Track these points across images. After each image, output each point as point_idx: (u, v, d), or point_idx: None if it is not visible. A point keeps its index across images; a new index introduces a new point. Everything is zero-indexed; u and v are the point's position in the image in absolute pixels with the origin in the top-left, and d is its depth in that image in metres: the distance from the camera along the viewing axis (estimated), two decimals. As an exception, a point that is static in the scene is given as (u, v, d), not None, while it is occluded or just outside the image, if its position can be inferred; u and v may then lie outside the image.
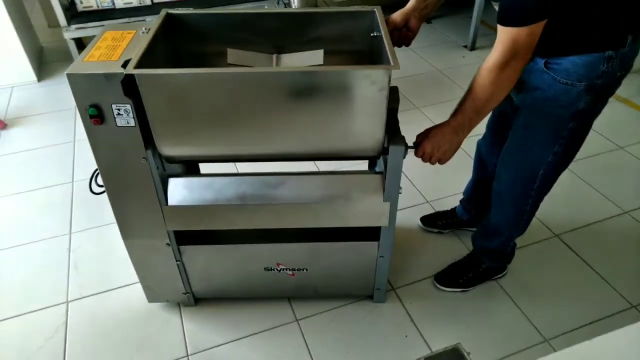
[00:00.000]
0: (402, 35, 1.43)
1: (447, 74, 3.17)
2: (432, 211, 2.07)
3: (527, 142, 1.38)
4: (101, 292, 1.78)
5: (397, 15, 1.42)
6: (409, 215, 2.06)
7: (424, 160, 1.37)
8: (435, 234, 1.99)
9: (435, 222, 1.99)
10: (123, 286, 1.76)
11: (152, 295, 1.67)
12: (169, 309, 1.71)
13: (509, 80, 1.19)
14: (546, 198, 1.50)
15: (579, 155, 1.41)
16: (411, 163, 2.35)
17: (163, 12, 1.40)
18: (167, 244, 1.49)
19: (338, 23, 1.44)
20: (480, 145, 1.76)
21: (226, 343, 1.60)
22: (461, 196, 1.96)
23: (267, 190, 1.39)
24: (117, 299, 1.74)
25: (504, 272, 1.79)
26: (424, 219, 2.01)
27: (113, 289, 1.78)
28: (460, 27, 3.75)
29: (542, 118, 1.32)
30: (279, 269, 1.60)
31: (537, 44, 1.23)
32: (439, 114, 2.58)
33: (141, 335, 1.62)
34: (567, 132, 1.32)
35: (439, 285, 1.75)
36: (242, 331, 1.63)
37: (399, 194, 1.44)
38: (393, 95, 1.37)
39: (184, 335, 1.62)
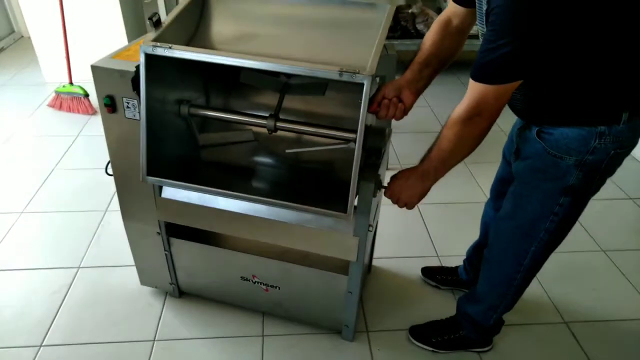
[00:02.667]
0: (394, 107, 1.29)
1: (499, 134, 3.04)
2: (437, 264, 2.00)
3: (518, 213, 1.31)
4: (108, 266, 1.97)
5: (389, 86, 1.30)
6: (415, 264, 2.01)
7: (393, 202, 1.36)
8: (433, 287, 1.92)
9: (435, 275, 1.91)
10: (127, 265, 1.92)
11: (144, 278, 1.82)
12: (155, 295, 1.84)
13: (471, 136, 1.16)
14: (569, 280, 1.39)
15: (619, 246, 1.30)
16: (436, 215, 2.36)
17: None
18: (158, 232, 1.63)
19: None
20: (485, 208, 1.70)
21: (191, 339, 1.68)
22: (469, 256, 1.87)
23: (247, 205, 1.48)
24: (118, 276, 1.92)
25: (489, 347, 1.66)
26: (425, 270, 1.95)
27: (118, 266, 1.95)
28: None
29: (532, 189, 1.26)
30: (254, 280, 1.66)
31: (530, 112, 1.20)
32: (483, 172, 2.50)
33: (122, 313, 1.77)
34: (558, 207, 1.24)
35: (411, 338, 1.67)
36: (209, 331, 1.70)
37: (370, 232, 1.45)
38: (376, 136, 1.40)
39: (159, 322, 1.74)
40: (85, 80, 3.20)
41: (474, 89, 1.10)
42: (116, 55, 1.45)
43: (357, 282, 1.53)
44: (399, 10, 3.73)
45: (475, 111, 1.11)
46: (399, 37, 3.61)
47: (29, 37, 3.60)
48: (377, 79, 2.13)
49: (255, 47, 1.34)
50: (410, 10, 3.72)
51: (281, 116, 1.46)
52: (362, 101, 1.17)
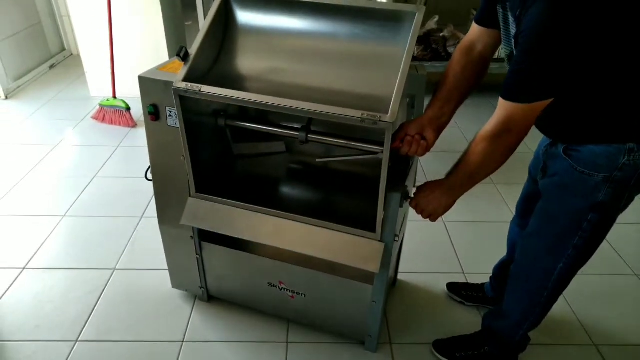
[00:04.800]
0: (417, 144, 1.32)
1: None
2: (463, 281, 2.00)
3: (546, 230, 1.32)
4: (141, 269, 2.05)
5: (412, 124, 1.34)
6: (440, 280, 2.01)
7: (417, 213, 1.39)
8: (458, 303, 1.91)
9: (461, 291, 1.91)
10: (159, 269, 1.99)
11: (175, 281, 1.89)
12: (185, 298, 1.90)
13: (499, 153, 1.19)
14: (600, 303, 1.38)
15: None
16: (463, 233, 2.36)
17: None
18: (191, 236, 1.70)
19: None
20: (511, 227, 1.70)
21: (218, 342, 1.73)
22: (496, 273, 1.87)
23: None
24: (151, 278, 1.99)
25: (514, 364, 1.65)
26: (450, 286, 1.95)
27: (152, 269, 2.03)
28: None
29: (560, 206, 1.27)
30: (280, 287, 1.70)
31: (558, 129, 1.22)
32: (513, 193, 2.49)
33: (153, 313, 1.84)
34: (587, 224, 1.24)
35: (435, 352, 1.67)
36: (235, 336, 1.75)
37: (397, 242, 1.47)
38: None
39: (188, 324, 1.79)
40: (128, 94, 3.37)
41: (503, 107, 1.13)
42: (162, 67, 1.55)
43: (381, 291, 1.55)
44: (430, 33, 3.80)
45: (504, 128, 1.14)
46: (429, 59, 3.67)
47: (78, 55, 3.82)
48: (407, 99, 2.17)
49: (277, 83, 1.40)
50: (441, 34, 3.77)
51: (312, 128, 1.52)
52: (385, 142, 1.23)
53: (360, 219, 1.48)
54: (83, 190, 2.60)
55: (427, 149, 1.33)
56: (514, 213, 1.67)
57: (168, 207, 1.68)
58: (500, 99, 1.13)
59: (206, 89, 1.34)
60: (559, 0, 0.97)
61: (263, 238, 1.54)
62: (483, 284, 1.89)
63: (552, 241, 1.30)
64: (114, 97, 3.36)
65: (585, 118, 1.15)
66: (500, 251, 1.81)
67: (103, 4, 3.27)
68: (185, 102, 1.40)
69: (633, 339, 1.78)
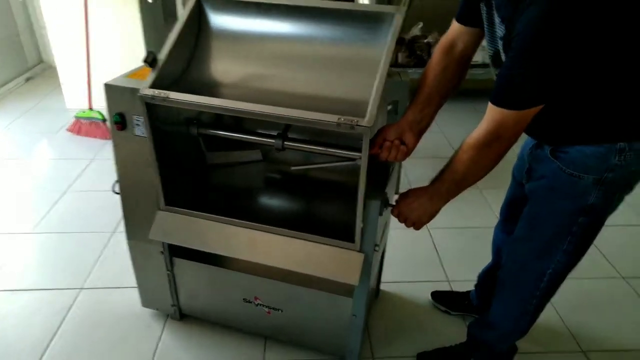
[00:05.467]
0: (396, 149, 1.25)
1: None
2: (448, 289, 1.94)
3: (534, 235, 1.27)
4: (110, 288, 1.94)
5: (390, 129, 1.27)
6: (424, 289, 1.94)
7: (400, 221, 1.33)
8: (443, 312, 1.85)
9: (445, 300, 1.85)
10: (130, 287, 1.89)
11: (145, 299, 1.79)
12: (156, 317, 1.80)
13: (488, 160, 1.13)
14: (587, 308, 1.33)
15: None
16: (447, 240, 2.31)
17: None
18: (161, 252, 1.61)
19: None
20: (495, 232, 1.65)
21: (190, 364, 1.63)
22: (481, 281, 1.81)
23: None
24: (120, 298, 1.89)
25: (502, 376, 1.58)
26: (435, 294, 1.89)
27: (121, 287, 1.93)
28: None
29: (548, 210, 1.22)
30: (256, 303, 1.62)
31: (544, 130, 1.17)
32: (499, 198, 2.45)
33: (121, 335, 1.73)
34: (576, 227, 1.19)
35: (419, 366, 1.60)
36: (209, 355, 1.66)
37: (376, 252, 1.41)
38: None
39: (157, 345, 1.69)
40: (104, 106, 3.24)
41: (493, 113, 1.07)
42: (131, 74, 1.47)
43: (362, 304, 1.47)
44: (414, 40, 3.77)
45: (493, 136, 1.08)
46: (414, 66, 3.63)
47: (56, 67, 3.72)
48: (389, 106, 2.12)
49: (251, 88, 1.34)
50: (425, 40, 3.75)
51: (289, 135, 1.45)
52: (362, 148, 1.17)
53: (339, 229, 1.41)
54: (53, 206, 2.49)
55: (407, 154, 1.26)
56: (499, 218, 1.62)
57: (136, 222, 1.59)
58: (490, 105, 1.07)
59: (175, 95, 1.27)
60: (555, 4, 0.92)
61: (236, 252, 1.45)
62: (468, 292, 1.83)
63: (541, 246, 1.24)
64: (90, 108, 3.25)
65: (574, 118, 1.11)
66: (486, 257, 1.75)
67: (80, 15, 3.17)
68: (154, 110, 1.33)
69: (622, 344, 1.74)
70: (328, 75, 1.34)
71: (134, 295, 1.79)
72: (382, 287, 1.95)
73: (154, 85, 1.28)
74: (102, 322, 1.79)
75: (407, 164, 2.78)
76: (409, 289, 1.96)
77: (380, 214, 1.33)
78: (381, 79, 1.20)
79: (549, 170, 1.19)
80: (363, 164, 1.19)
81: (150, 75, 1.29)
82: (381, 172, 1.40)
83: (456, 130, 3.31)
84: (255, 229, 1.44)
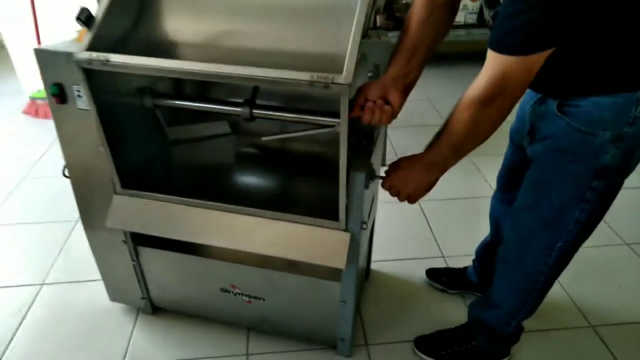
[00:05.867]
0: (380, 110, 1.05)
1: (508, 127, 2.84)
2: (444, 266, 1.79)
3: (541, 203, 1.10)
4: (75, 282, 1.76)
5: (372, 87, 1.07)
6: (418, 267, 1.80)
7: (392, 195, 1.16)
8: (440, 291, 1.71)
9: (441, 278, 1.71)
10: (97, 280, 1.71)
11: (113, 293, 1.61)
12: (127, 312, 1.64)
13: (490, 120, 0.97)
14: (592, 279, 1.19)
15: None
16: (439, 212, 2.16)
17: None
18: (123, 241, 1.43)
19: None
20: (492, 203, 1.50)
21: (165, 360, 1.47)
22: (479, 255, 1.67)
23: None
24: (87, 291, 1.71)
25: (507, 358, 1.45)
26: (430, 272, 1.74)
27: (87, 281, 1.75)
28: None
29: (557, 174, 1.06)
30: (234, 292, 1.46)
31: (549, 81, 1.00)
32: (490, 165, 2.31)
33: (89, 333, 1.56)
34: (590, 192, 1.03)
35: (417, 350, 1.46)
36: (186, 352, 1.49)
37: (365, 230, 1.25)
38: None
39: (129, 342, 1.53)
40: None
41: (494, 62, 0.89)
42: (79, 38, 1.26)
43: (351, 289, 1.32)
44: (393, 1, 3.56)
45: (497, 90, 0.91)
46: (393, 29, 3.43)
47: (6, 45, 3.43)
48: (370, 73, 1.94)
49: (211, 47, 1.15)
50: (404, 1, 3.55)
51: (258, 102, 1.27)
52: (341, 111, 0.99)
53: (321, 207, 1.25)
54: (10, 194, 2.28)
55: (393, 115, 1.08)
56: (495, 187, 1.47)
57: (92, 208, 1.40)
58: (490, 53, 0.90)
59: (117, 58, 1.07)
60: None
61: (206, 237, 1.28)
62: (465, 268, 1.69)
63: (550, 216, 1.09)
64: (47, 88, 3.01)
65: (587, 64, 0.93)
66: (482, 230, 1.61)
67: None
68: (96, 77, 1.13)
69: (630, 317, 1.62)
70: (297, 29, 1.15)
71: (102, 289, 1.62)
72: (373, 266, 1.80)
73: (91, 48, 1.08)
74: (67, 321, 1.61)
75: (391, 133, 2.62)
76: (402, 267, 1.82)
77: (366, 187, 1.16)
78: (358, 27, 1.01)
79: (556, 128, 1.02)
80: (343, 129, 1.02)
81: (86, 36, 1.09)
82: (364, 140, 1.23)
83: (441, 95, 3.13)
84: (226, 211, 1.27)
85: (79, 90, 1.21)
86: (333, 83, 0.96)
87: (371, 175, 1.17)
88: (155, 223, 1.31)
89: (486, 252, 1.55)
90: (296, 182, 1.42)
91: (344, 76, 0.96)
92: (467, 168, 2.42)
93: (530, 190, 1.12)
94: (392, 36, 3.34)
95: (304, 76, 0.97)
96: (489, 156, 2.51)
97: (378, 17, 3.45)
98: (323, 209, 1.22)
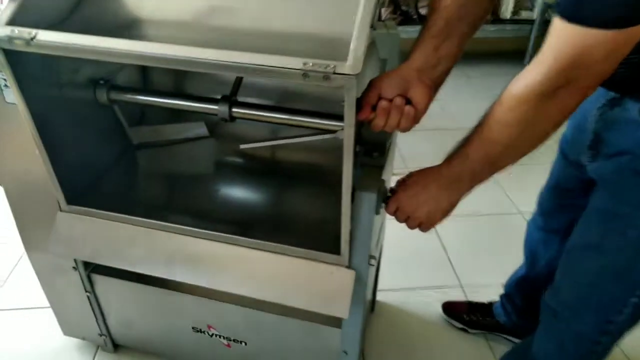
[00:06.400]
0: (397, 112, 0.76)
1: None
2: (463, 298, 1.52)
3: (610, 242, 0.83)
4: (23, 309, 1.49)
5: (388, 80, 0.77)
6: (431, 297, 1.53)
7: (399, 220, 0.89)
8: (458, 330, 1.43)
9: (461, 314, 1.43)
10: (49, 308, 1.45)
11: (66, 327, 1.34)
12: (84, 348, 1.36)
13: (550, 120, 0.70)
14: None
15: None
16: (454, 231, 1.89)
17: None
18: (74, 267, 1.16)
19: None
20: (530, 229, 1.23)
21: (124, 415, 1.20)
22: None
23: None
24: (36, 324, 1.43)
25: None
26: (447, 307, 1.47)
27: (38, 308, 1.47)
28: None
29: (634, 204, 0.79)
30: (210, 332, 1.18)
31: (634, 73, 0.73)
32: (511, 177, 2.04)
33: (35, 374, 1.30)
34: None
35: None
36: (150, 404, 1.22)
37: (373, 266, 0.98)
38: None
39: (83, 388, 1.26)
40: None
41: (567, 38, 0.62)
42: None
43: (355, 338, 1.05)
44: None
45: (564, 77, 0.64)
46: (400, 24, 3.16)
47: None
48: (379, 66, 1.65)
49: (180, 25, 0.88)
50: (412, -9, 3.27)
51: (241, 98, 1.00)
52: (345, 111, 0.72)
53: (318, 235, 0.99)
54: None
55: (416, 119, 0.80)
56: (517, 203, 1.19)
57: (33, 227, 1.14)
58: (560, 24, 0.62)
59: (47, 36, 0.80)
60: None
61: (169, 270, 1.01)
62: (491, 304, 1.42)
63: (621, 261, 0.81)
64: None
65: None
66: (506, 254, 1.35)
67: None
68: (29, 62, 0.86)
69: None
70: (294, 6, 0.88)
71: (54, 320, 1.35)
72: (379, 296, 1.53)
73: (13, 22, 0.81)
74: (13, 357, 1.35)
75: (399, 137, 2.35)
76: (412, 298, 1.54)
77: (377, 212, 0.89)
78: (368, 3, 0.74)
79: (634, 141, 0.76)
80: (347, 136, 0.75)
81: (6, 8, 0.82)
82: (375, 149, 0.96)
83: (451, 97, 2.86)
84: (198, 237, 1.00)
85: (4, 80, 0.94)
86: (335, 73, 0.69)
87: (383, 196, 0.90)
88: (107, 249, 1.03)
89: (520, 288, 1.28)
90: (287, 202, 1.14)
91: (350, 64, 0.69)
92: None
93: (595, 224, 0.85)
94: (402, 30, 3.09)
95: (294, 63, 0.70)
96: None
97: (382, 10, 3.19)
98: (321, 239, 0.96)
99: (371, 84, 0.78)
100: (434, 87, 0.79)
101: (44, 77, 0.93)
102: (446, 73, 0.79)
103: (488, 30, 3.21)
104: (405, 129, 0.80)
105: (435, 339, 1.42)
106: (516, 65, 3.38)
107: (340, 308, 0.92)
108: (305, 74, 0.70)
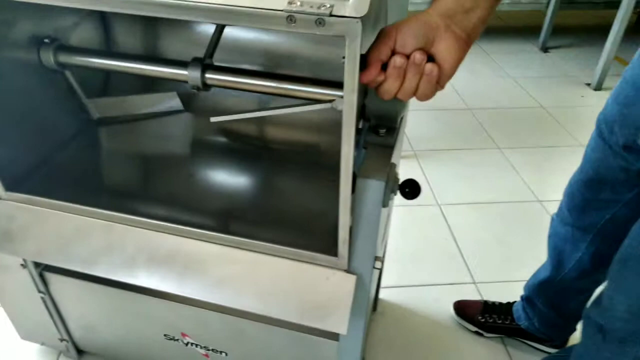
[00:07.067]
0: (416, 71, 0.57)
1: (555, 113, 2.37)
2: (477, 297, 1.35)
3: None
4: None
5: (404, 29, 0.57)
6: (441, 295, 1.36)
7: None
8: (472, 333, 1.27)
9: (475, 316, 1.26)
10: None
11: (23, 331, 1.17)
12: (44, 354, 1.20)
13: None
14: None
15: None
16: (466, 220, 1.73)
17: None
18: (22, 264, 0.98)
19: None
20: (555, 224, 1.05)
21: None
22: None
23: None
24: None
25: None
26: (459, 307, 1.30)
27: (-3, 307, 1.31)
28: (586, 60, 2.94)
29: None
30: (185, 341, 1.01)
31: None
32: (528, 162, 1.93)
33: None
34: None
35: None
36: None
37: (378, 270, 0.80)
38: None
39: (41, 402, 1.10)
40: None
41: None
42: None
43: (355, 352, 0.88)
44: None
45: None
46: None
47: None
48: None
49: None
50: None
51: (216, 62, 0.82)
52: (345, 73, 0.54)
53: (312, 231, 0.80)
54: None
55: (440, 82, 0.60)
56: (536, 191, 1.02)
57: (-28, 218, 0.95)
58: None
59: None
60: None
61: (130, 272, 0.83)
62: (510, 305, 1.25)
63: None
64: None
65: None
66: (524, 248, 1.18)
67: None
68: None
69: None
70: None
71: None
72: (382, 293, 1.35)
73: None
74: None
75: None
76: (419, 296, 1.37)
77: (384, 205, 0.71)
78: None
79: None
80: (347, 106, 0.56)
81: None
82: (383, 124, 0.77)
83: (460, 73, 2.65)
84: (167, 232, 0.82)
85: None
86: (332, 15, 0.50)
87: (393, 186, 0.71)
88: (54, 246, 0.85)
89: (543, 293, 1.11)
90: (276, 190, 0.95)
91: (354, 2, 0.50)
92: (495, 162, 1.95)
93: None
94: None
95: (276, 2, 0.51)
96: (523, 149, 2.07)
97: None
98: (315, 236, 0.78)
99: (382, 34, 0.58)
100: (467, 40, 0.59)
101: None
102: (483, 22, 0.59)
103: (502, 4, 2.99)
104: (426, 97, 0.60)
105: (446, 343, 1.25)
106: (530, 41, 3.18)
107: (337, 322, 0.74)
108: (290, 17, 0.51)
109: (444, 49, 0.57)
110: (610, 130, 0.84)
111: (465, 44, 0.58)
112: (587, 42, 3.17)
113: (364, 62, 0.58)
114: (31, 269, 0.98)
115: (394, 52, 0.57)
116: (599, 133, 0.88)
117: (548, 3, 2.96)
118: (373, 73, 0.58)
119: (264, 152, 1.03)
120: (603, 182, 0.89)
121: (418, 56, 0.57)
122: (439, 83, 0.59)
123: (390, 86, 0.59)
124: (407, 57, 0.57)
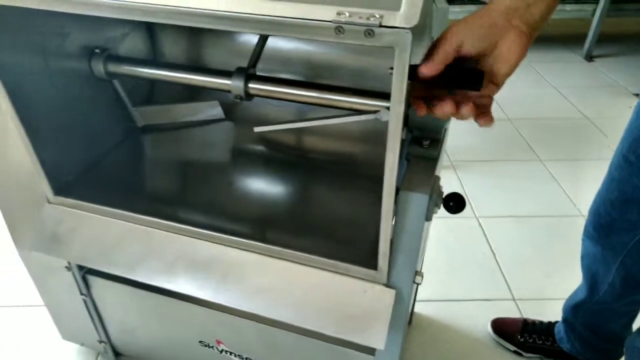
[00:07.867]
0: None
1: (599, 124, 2.29)
2: (515, 314, 1.30)
3: None
4: (23, 306, 1.36)
5: (465, 29, 0.56)
6: (479, 312, 1.32)
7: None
8: (511, 353, 1.22)
9: (514, 335, 1.22)
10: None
11: (65, 331, 1.20)
12: (84, 354, 1.23)
13: None
14: None
15: None
16: (505, 234, 1.68)
17: None
18: (67, 267, 1.01)
19: None
20: (586, 245, 1.01)
21: None
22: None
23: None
24: (34, 323, 1.31)
25: None
26: (497, 324, 1.26)
27: (36, 305, 1.34)
28: (635, 70, 2.83)
29: None
30: (219, 348, 1.02)
31: None
32: (571, 174, 1.87)
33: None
34: None
35: None
36: None
37: (417, 285, 0.78)
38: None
39: (80, 400, 1.12)
40: None
41: None
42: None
43: (391, 368, 0.86)
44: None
45: None
46: (450, 2, 2.90)
47: None
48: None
49: None
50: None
51: (261, 72, 0.82)
52: (394, 82, 0.53)
53: (351, 243, 0.79)
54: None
55: (498, 84, 0.58)
56: (589, 220, 0.98)
57: (21, 220, 0.99)
58: None
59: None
60: None
61: (168, 278, 0.84)
62: (551, 324, 1.20)
63: None
64: None
65: None
66: (566, 262, 1.14)
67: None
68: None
69: None
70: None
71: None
72: (417, 307, 1.33)
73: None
74: (8, 358, 1.22)
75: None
76: (455, 312, 1.34)
77: (428, 219, 0.69)
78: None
79: None
80: (394, 118, 0.56)
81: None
82: (427, 136, 0.75)
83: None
84: (208, 240, 0.83)
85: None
86: (382, 26, 0.49)
87: (437, 199, 0.70)
88: (97, 250, 0.87)
89: (579, 315, 1.07)
90: (315, 200, 0.95)
91: (405, 13, 0.50)
92: (539, 175, 1.89)
93: None
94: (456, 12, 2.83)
95: (325, 13, 0.51)
96: (567, 161, 2.00)
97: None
98: (354, 248, 0.77)
99: (445, 35, 0.56)
100: (529, 36, 0.55)
101: (21, 43, 0.77)
102: (544, 18, 0.56)
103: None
104: (487, 121, 0.59)
105: (483, 361, 1.21)
106: (573, 50, 3.09)
107: (375, 336, 0.73)
108: (339, 28, 0.50)
109: (506, 50, 0.55)
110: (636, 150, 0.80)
111: (527, 40, 0.55)
112: (636, 51, 3.06)
113: (412, 72, 0.57)
114: (75, 271, 1.01)
115: (458, 56, 0.56)
116: (624, 156, 0.84)
117: (594, 11, 2.87)
118: (436, 68, 0.56)
119: (303, 161, 1.03)
120: (630, 202, 0.85)
121: (466, 113, 0.56)
122: (497, 84, 0.58)
123: (447, 107, 0.58)
124: (470, 58, 0.56)
